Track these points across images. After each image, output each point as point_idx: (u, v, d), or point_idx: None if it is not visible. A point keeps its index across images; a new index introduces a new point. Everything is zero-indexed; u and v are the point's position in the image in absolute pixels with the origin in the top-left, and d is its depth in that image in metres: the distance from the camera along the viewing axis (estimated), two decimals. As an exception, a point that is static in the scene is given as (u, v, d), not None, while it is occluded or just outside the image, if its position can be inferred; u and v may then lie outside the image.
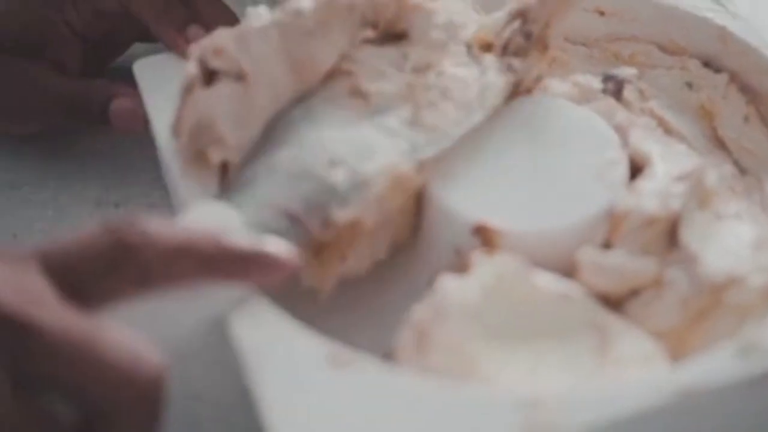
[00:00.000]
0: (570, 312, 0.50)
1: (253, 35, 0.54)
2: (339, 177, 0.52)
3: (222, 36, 0.54)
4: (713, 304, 0.51)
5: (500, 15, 0.58)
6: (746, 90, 0.61)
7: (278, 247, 0.47)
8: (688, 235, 0.52)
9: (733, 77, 0.62)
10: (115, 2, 0.66)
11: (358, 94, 0.56)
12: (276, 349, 0.47)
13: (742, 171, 0.59)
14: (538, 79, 0.59)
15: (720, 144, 0.60)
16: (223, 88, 0.54)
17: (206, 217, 0.49)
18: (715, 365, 0.46)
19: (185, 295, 0.45)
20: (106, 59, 0.70)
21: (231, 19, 0.67)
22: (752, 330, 0.48)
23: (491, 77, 0.56)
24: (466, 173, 0.55)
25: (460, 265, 0.52)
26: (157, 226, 0.45)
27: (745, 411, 0.48)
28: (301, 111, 0.55)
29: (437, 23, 0.57)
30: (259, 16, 0.55)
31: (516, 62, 0.57)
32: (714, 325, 0.50)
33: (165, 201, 0.62)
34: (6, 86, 0.66)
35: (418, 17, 0.58)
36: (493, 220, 0.53)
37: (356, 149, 0.53)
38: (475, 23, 0.58)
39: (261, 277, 0.47)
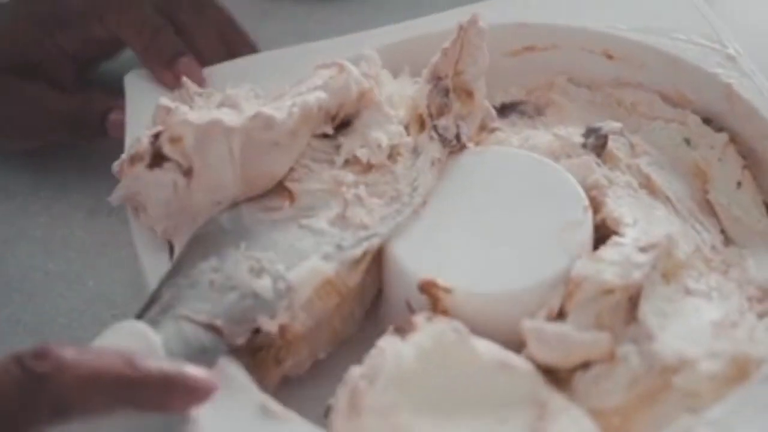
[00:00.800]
0: (509, 383, 0.48)
1: (215, 137, 0.53)
2: (264, 285, 0.50)
3: (185, 124, 0.53)
4: (662, 386, 0.48)
5: (419, 85, 0.57)
6: (746, 153, 0.58)
7: (194, 371, 0.46)
8: (647, 310, 0.50)
9: (734, 138, 0.59)
10: (104, 31, 0.65)
11: (285, 193, 0.54)
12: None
13: (728, 240, 0.56)
14: (484, 127, 0.58)
15: (709, 208, 0.57)
16: (166, 176, 0.53)
17: (125, 339, 0.47)
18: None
19: (104, 422, 0.44)
20: (98, 65, 0.70)
21: (234, 44, 0.66)
22: (686, 419, 0.46)
23: (422, 162, 0.55)
24: (421, 229, 0.53)
25: (406, 326, 0.50)
26: (70, 353, 0.43)
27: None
28: (229, 217, 0.53)
29: (387, 128, 0.56)
30: (230, 115, 0.53)
31: (442, 122, 0.56)
32: (660, 408, 0.48)
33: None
34: (6, 105, 0.66)
35: (371, 112, 0.56)
36: (441, 277, 0.51)
37: (281, 255, 0.52)
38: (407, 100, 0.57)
39: (177, 402, 0.45)
